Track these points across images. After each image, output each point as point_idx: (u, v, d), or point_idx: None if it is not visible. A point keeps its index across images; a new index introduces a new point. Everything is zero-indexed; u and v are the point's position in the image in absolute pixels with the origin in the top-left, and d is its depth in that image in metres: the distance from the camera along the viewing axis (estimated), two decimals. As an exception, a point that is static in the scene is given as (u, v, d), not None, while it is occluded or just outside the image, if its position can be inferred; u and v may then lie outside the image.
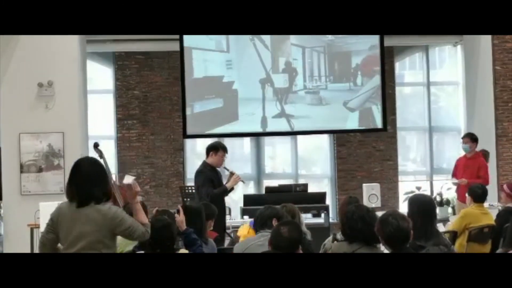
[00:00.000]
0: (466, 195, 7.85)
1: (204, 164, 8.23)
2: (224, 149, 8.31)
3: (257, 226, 5.60)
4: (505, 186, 7.89)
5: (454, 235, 7.32)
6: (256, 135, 12.42)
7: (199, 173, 8.19)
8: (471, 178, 9.54)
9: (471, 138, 9.86)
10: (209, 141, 10.07)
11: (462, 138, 10.02)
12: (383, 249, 4.72)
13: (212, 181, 8.08)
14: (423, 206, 5.22)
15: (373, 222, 4.75)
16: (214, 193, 7.95)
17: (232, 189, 8.32)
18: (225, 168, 8.51)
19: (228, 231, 9.10)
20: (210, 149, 8.26)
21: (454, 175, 10.06)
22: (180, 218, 5.45)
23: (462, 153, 10.34)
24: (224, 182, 8.32)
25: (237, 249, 5.53)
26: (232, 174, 8.22)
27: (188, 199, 9.23)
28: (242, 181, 8.46)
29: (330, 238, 5.29)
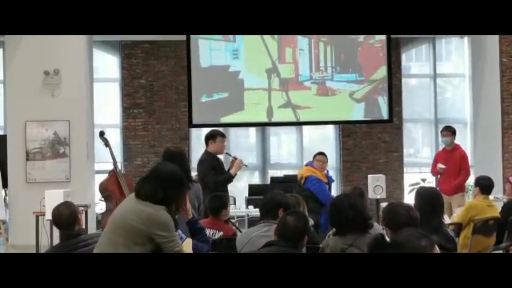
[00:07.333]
0: (473, 186, 7.85)
1: (206, 153, 8.16)
2: (222, 135, 8.20)
3: (262, 212, 5.42)
4: (511, 178, 7.89)
5: (459, 227, 7.33)
6: (261, 125, 12.42)
7: (201, 162, 8.13)
8: (454, 169, 9.62)
9: (451, 131, 9.90)
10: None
11: (442, 131, 10.01)
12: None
13: (214, 168, 7.99)
14: (429, 199, 5.18)
15: (363, 208, 4.69)
16: (219, 180, 7.88)
17: (235, 175, 8.23)
18: (227, 153, 8.47)
19: (233, 220, 9.09)
20: (208, 138, 8.19)
21: (434, 169, 10.07)
22: (187, 207, 5.43)
23: (469, 145, 10.35)
24: (227, 169, 8.28)
25: (239, 240, 5.40)
26: (235, 159, 8.17)
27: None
28: (245, 165, 8.35)
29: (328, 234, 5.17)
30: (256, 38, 11.18)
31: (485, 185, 7.66)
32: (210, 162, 8.06)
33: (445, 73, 13.76)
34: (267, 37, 11.19)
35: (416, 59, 14.12)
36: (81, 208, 7.01)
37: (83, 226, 6.20)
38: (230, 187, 8.37)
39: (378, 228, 5.11)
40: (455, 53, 13.85)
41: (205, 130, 8.88)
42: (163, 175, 4.40)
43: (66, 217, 5.16)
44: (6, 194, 10.01)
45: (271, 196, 5.43)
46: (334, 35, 11.15)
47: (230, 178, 8.07)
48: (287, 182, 10.58)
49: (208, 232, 5.91)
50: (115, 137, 12.56)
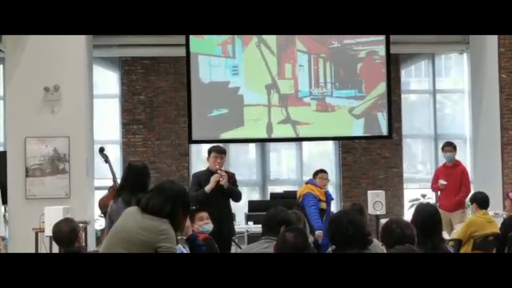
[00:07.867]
0: (468, 202, 7.86)
1: (207, 169, 8.17)
2: (217, 151, 8.04)
3: (264, 228, 5.34)
4: (511, 194, 7.89)
5: (459, 243, 7.32)
6: (261, 141, 12.43)
7: (192, 177, 8.17)
8: (455, 185, 9.66)
9: (453, 147, 9.96)
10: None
11: (444, 147, 10.05)
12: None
13: (199, 184, 7.87)
14: (428, 216, 5.14)
15: (362, 224, 4.67)
16: (193, 196, 7.48)
17: (229, 189, 7.94)
18: (219, 168, 8.02)
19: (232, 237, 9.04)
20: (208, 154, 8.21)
21: (434, 184, 10.08)
22: (187, 223, 5.41)
23: (468, 161, 10.35)
24: (237, 184, 8.21)
25: None
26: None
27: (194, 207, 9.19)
28: (220, 180, 7.83)
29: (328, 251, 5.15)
30: (256, 54, 11.20)
31: (481, 200, 7.67)
32: (197, 178, 8.02)
33: (445, 89, 13.78)
34: (266, 53, 11.21)
35: (415, 75, 14.16)
36: (81, 224, 7.00)
37: (83, 243, 6.17)
38: (232, 203, 8.28)
39: (377, 244, 5.10)
40: (454, 69, 13.88)
41: (205, 146, 8.88)
42: (172, 192, 4.45)
43: (66, 234, 5.15)
44: (5, 211, 10.00)
45: (275, 213, 5.36)
46: (334, 48, 11.20)
47: (202, 195, 7.72)
48: (287, 198, 10.58)
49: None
50: (114, 153, 12.56)
